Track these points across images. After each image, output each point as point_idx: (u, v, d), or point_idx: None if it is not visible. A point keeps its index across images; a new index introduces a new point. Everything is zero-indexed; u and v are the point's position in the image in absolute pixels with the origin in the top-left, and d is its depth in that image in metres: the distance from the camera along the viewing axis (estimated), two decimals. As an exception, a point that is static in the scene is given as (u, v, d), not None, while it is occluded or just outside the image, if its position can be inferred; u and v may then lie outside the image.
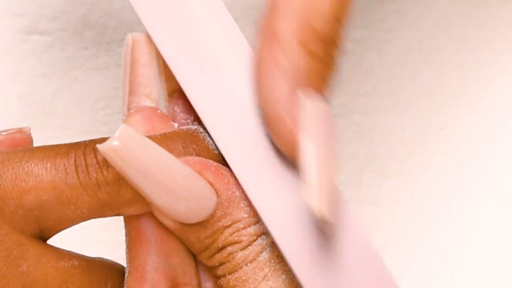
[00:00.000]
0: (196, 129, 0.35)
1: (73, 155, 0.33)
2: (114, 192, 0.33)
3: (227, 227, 0.34)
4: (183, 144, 0.34)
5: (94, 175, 0.33)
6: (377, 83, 0.53)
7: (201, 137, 0.35)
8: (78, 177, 0.33)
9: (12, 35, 0.53)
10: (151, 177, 0.32)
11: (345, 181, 0.50)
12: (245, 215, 0.34)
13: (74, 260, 0.35)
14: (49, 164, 0.33)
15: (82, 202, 0.33)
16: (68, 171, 0.33)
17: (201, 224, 0.34)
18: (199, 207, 0.33)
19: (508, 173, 0.51)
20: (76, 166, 0.33)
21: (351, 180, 0.50)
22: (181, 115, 0.37)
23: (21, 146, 0.37)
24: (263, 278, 0.33)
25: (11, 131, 0.37)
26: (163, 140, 0.34)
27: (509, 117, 0.52)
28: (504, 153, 0.51)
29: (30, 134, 0.37)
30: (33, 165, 0.33)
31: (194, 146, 0.35)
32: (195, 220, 0.33)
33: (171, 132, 0.35)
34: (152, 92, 0.36)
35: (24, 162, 0.33)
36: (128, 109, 0.37)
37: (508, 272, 0.49)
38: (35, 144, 0.38)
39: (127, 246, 0.35)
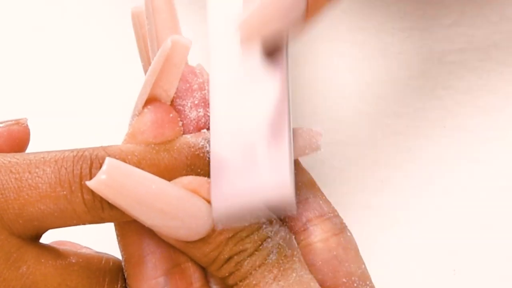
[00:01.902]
0: (202, 146, 0.35)
1: (79, 172, 0.33)
2: (117, 215, 0.34)
3: (230, 238, 0.34)
4: (188, 168, 0.35)
5: (99, 198, 0.33)
6: (380, 73, 0.52)
7: (207, 160, 0.35)
8: (83, 198, 0.33)
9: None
10: (145, 205, 0.32)
11: (347, 178, 0.50)
12: (246, 223, 0.34)
13: (71, 257, 0.35)
14: (54, 180, 0.33)
15: (84, 219, 0.34)
16: (73, 188, 0.33)
17: (204, 240, 0.34)
18: (198, 225, 0.33)
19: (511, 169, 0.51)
20: (81, 186, 0.33)
21: (355, 176, 0.50)
22: (177, 100, 0.36)
23: (18, 137, 0.37)
24: (274, 279, 0.33)
25: (8, 123, 0.37)
26: (167, 170, 0.34)
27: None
28: (508, 149, 0.51)
29: (27, 125, 0.37)
30: (37, 178, 0.33)
31: (199, 170, 0.35)
32: (196, 237, 0.33)
33: (178, 154, 0.35)
34: (170, 89, 0.36)
35: (27, 174, 0.33)
36: (144, 105, 0.36)
37: (507, 268, 0.48)
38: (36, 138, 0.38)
39: (118, 235, 0.35)
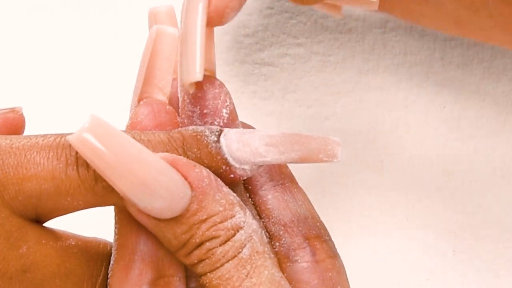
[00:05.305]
0: (202, 131, 0.35)
1: None
2: (109, 187, 0.33)
3: (203, 221, 0.33)
4: (184, 147, 0.34)
5: (92, 169, 0.33)
6: (380, 60, 0.52)
7: (205, 142, 0.34)
8: (78, 170, 0.33)
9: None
10: (123, 169, 0.31)
11: (348, 158, 0.50)
12: (221, 208, 0.33)
13: (71, 240, 0.35)
14: (51, 154, 0.33)
15: (78, 194, 0.34)
16: (69, 162, 0.33)
17: (177, 220, 0.33)
18: (174, 201, 0.33)
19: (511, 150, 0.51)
20: (77, 158, 0.33)
21: (354, 157, 0.50)
22: (189, 106, 0.36)
23: (13, 125, 0.37)
24: (246, 276, 0.33)
25: (3, 111, 0.37)
26: (164, 140, 0.34)
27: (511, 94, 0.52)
28: (508, 129, 0.51)
29: (22, 113, 0.38)
30: (35, 153, 0.33)
31: (195, 149, 0.34)
32: (169, 215, 0.33)
33: (175, 133, 0.35)
34: (165, 86, 0.36)
35: (27, 150, 0.33)
36: (139, 100, 0.37)
37: (506, 248, 0.49)
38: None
39: (116, 234, 0.35)
